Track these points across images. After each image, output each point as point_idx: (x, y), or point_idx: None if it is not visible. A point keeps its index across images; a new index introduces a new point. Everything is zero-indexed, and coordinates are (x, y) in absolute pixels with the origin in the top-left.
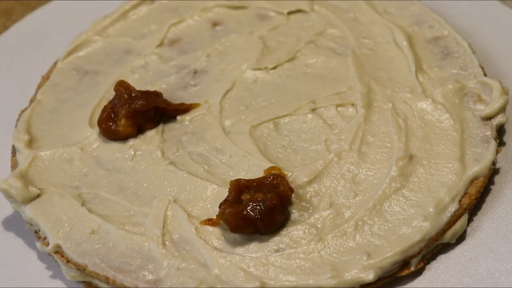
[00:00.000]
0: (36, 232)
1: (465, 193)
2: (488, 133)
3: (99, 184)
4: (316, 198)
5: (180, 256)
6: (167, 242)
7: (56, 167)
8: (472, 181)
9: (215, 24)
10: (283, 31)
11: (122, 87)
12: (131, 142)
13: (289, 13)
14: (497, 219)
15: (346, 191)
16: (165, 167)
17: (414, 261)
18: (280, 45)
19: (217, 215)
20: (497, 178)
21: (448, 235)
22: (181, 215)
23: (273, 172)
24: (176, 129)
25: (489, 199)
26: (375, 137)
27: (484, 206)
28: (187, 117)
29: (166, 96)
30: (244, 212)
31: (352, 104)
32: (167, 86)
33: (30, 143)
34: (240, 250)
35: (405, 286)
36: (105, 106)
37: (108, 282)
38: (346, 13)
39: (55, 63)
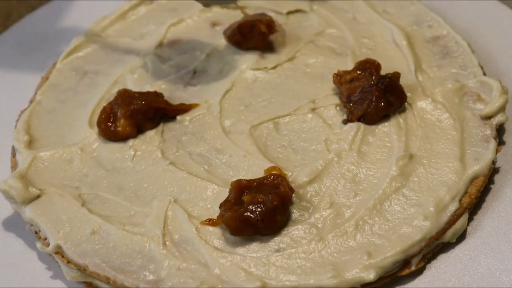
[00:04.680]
0: (36, 232)
1: (465, 192)
2: (488, 132)
3: (99, 185)
4: (316, 198)
5: (181, 256)
6: (167, 242)
7: (56, 168)
8: (472, 180)
9: (214, 24)
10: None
11: (123, 92)
12: (131, 142)
13: (288, 13)
14: (497, 218)
15: (346, 191)
16: (165, 167)
17: (415, 261)
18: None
19: (217, 216)
20: (497, 177)
21: (449, 235)
22: (182, 215)
23: (273, 172)
24: (176, 129)
25: (489, 198)
26: (375, 136)
27: (484, 205)
28: (187, 117)
29: (165, 96)
30: (245, 214)
31: None
32: (166, 86)
33: (30, 144)
34: (241, 250)
35: (405, 285)
36: (104, 107)
37: (108, 283)
38: (345, 13)
39: (55, 64)
